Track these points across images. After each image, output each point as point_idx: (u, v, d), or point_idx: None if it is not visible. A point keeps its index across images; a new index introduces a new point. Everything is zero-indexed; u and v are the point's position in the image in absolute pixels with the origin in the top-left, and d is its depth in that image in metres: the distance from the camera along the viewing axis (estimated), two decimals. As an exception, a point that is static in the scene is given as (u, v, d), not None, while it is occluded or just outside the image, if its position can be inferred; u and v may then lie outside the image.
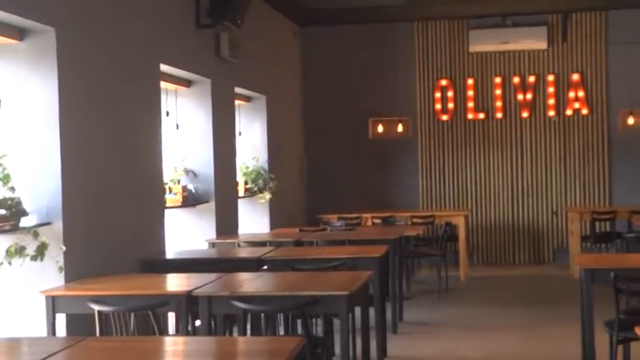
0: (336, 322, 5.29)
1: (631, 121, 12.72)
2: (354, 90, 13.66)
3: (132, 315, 5.28)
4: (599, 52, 13.10)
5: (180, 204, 8.30)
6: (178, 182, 8.55)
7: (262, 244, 8.51)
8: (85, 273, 5.94)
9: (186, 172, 8.85)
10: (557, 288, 10.95)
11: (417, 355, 7.60)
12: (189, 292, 5.27)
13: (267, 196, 10.88)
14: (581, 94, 13.10)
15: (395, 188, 13.61)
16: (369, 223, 11.57)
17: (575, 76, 13.12)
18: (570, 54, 13.18)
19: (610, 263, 6.27)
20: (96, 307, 5.11)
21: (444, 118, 13.45)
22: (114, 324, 5.20)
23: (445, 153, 13.48)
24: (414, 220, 11.41)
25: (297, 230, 9.92)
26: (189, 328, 5.43)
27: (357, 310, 6.02)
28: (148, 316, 5.11)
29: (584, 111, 13.11)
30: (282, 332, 6.54)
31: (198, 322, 5.54)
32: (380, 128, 13.51)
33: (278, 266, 6.84)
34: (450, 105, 13.43)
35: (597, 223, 11.84)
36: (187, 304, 5.27)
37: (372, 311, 6.65)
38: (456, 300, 10.31)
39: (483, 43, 13.22)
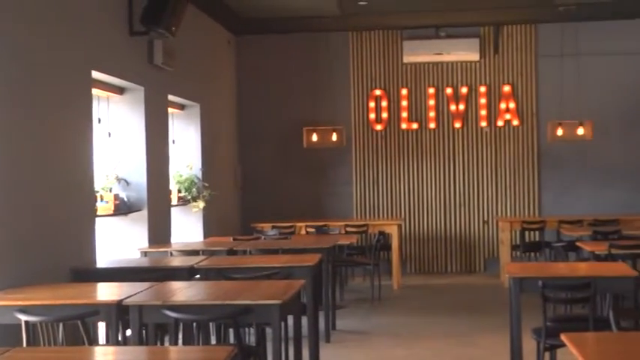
0: (269, 331, 5.27)
1: (560, 132, 12.97)
2: (289, 99, 13.68)
3: (60, 325, 5.19)
4: (530, 65, 13.35)
5: (112, 212, 8.20)
6: (110, 190, 8.45)
7: (195, 252, 8.45)
8: (12, 282, 5.83)
9: (119, 180, 8.75)
10: (488, 297, 11.09)
11: (350, 363, 7.63)
12: (120, 301, 5.21)
13: (201, 204, 10.82)
14: (512, 105, 13.33)
15: (329, 197, 13.66)
16: (303, 231, 11.59)
17: (507, 88, 13.35)
18: (502, 66, 13.41)
19: (538, 272, 6.38)
20: (23, 317, 5.01)
21: (378, 127, 13.55)
22: (42, 335, 5.11)
23: (379, 162, 13.57)
24: (348, 229, 11.47)
25: (231, 239, 9.88)
26: (120, 338, 5.37)
27: (290, 319, 6.02)
28: (77, 326, 5.04)
29: (515, 122, 13.34)
30: (214, 342, 6.50)
31: (129, 332, 5.47)
32: (314, 137, 13.54)
33: (211, 275, 6.80)
34: (384, 115, 13.54)
35: (527, 233, 12.07)
36: (118, 313, 5.21)
37: (305, 320, 6.65)
38: (389, 309, 10.38)
39: (417, 54, 13.36)
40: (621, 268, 6.40)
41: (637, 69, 13.12)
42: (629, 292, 6.16)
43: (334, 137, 13.49)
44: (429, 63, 13.47)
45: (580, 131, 12.89)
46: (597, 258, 8.33)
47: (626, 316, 5.49)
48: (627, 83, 13.15)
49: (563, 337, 4.21)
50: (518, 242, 12.10)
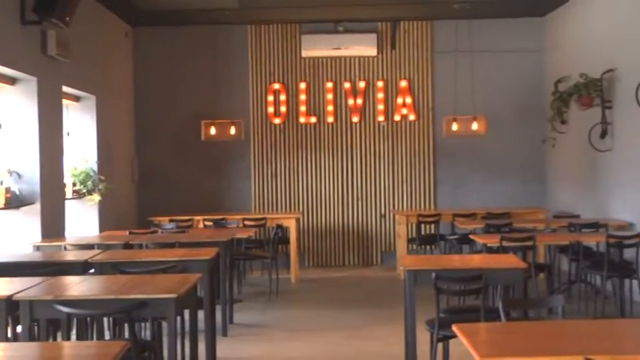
0: (165, 326, 5.23)
1: (455, 127, 13.24)
2: (187, 91, 13.57)
3: (-53, 322, 5.03)
4: (426, 60, 13.58)
5: (2, 206, 7.98)
6: (1, 183, 8.22)
7: (90, 246, 8.31)
8: None
9: (10, 172, 8.52)
10: (385, 289, 11.24)
11: (246, 357, 7.62)
12: (10, 296, 5.08)
13: (97, 198, 10.63)
14: (408, 100, 13.54)
15: (228, 191, 13.61)
16: (201, 225, 11.52)
17: (404, 83, 13.54)
18: (399, 61, 13.60)
19: (432, 264, 6.48)
20: None
21: (277, 121, 13.57)
22: None
23: (278, 156, 13.60)
24: (246, 222, 11.45)
25: (127, 233, 9.74)
26: (10, 335, 5.23)
27: (187, 314, 5.98)
28: (-36, 323, 4.89)
29: (412, 117, 13.55)
30: (108, 337, 6.41)
31: (19, 328, 5.34)
32: (212, 130, 13.47)
33: (105, 269, 6.69)
34: (283, 108, 13.57)
35: (423, 226, 12.28)
36: (7, 308, 5.08)
37: (201, 314, 6.62)
38: (287, 302, 10.41)
39: (316, 48, 13.43)
40: (511, 260, 6.57)
41: (527, 66, 13.50)
42: (518, 283, 6.33)
43: (233, 131, 13.44)
44: (327, 57, 13.56)
45: (474, 126, 13.19)
46: (489, 250, 8.55)
47: (516, 306, 5.64)
48: (518, 80, 13.53)
49: (454, 327, 4.31)
50: (414, 235, 12.31)
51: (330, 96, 13.58)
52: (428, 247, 12.28)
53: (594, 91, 10.77)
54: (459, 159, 13.63)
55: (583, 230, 9.61)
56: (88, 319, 5.65)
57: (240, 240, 10.81)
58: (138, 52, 13.52)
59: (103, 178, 10.83)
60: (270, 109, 13.59)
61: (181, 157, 13.55)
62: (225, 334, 8.34)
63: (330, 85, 13.58)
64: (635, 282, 8.61)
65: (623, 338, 4.38)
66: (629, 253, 8.76)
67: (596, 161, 11.18)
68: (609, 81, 10.66)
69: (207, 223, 11.39)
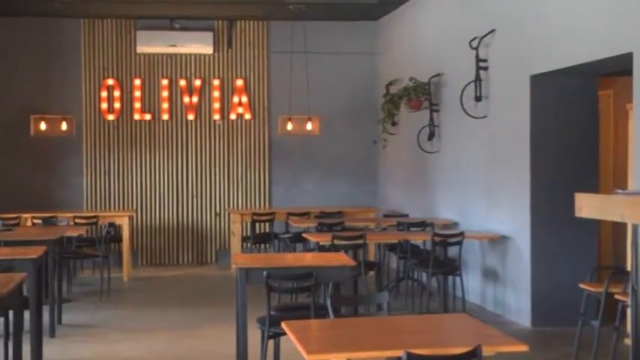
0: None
1: (290, 126, 13.40)
2: (16, 85, 13.10)
3: None
4: (261, 60, 13.67)
5: None
6: None
7: None
8: None
9: None
10: (219, 287, 11.25)
11: (75, 358, 7.44)
12: None
13: None
14: (244, 99, 13.60)
15: (59, 188, 13.23)
16: (29, 223, 11.15)
17: (239, 82, 13.59)
18: (235, 60, 13.63)
19: (264, 263, 6.55)
20: None
21: (111, 117, 13.31)
22: None
23: (111, 153, 13.34)
24: (77, 220, 11.18)
25: (-52, 231, 9.30)
26: None
27: (12, 314, 5.79)
28: None
29: (247, 116, 13.62)
30: None
31: None
32: (43, 126, 13.06)
33: None
34: (117, 105, 13.33)
35: (257, 225, 12.36)
36: None
37: (27, 314, 6.42)
38: (119, 301, 10.23)
39: (151, 45, 13.28)
40: (341, 258, 6.72)
41: (361, 68, 13.84)
42: (348, 280, 6.49)
43: (64, 126, 13.09)
44: (162, 54, 13.42)
45: (309, 126, 13.39)
46: (322, 248, 8.72)
47: (343, 303, 5.79)
48: (352, 81, 13.84)
49: (283, 325, 4.40)
50: (249, 234, 12.37)
51: (165, 93, 13.44)
52: (262, 245, 12.37)
53: (423, 94, 11.16)
54: (293, 158, 13.80)
55: (411, 229, 9.95)
56: None
57: (71, 238, 10.54)
58: (-38, 43, 12.95)
59: None
60: (104, 105, 13.31)
61: (9, 153, 13.06)
62: (52, 335, 8.11)
63: (165, 82, 13.45)
64: (457, 279, 8.98)
65: (443, 332, 4.58)
66: (453, 251, 9.14)
67: (425, 162, 11.59)
68: (436, 85, 11.08)
69: (36, 221, 11.03)
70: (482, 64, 9.48)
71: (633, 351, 4.24)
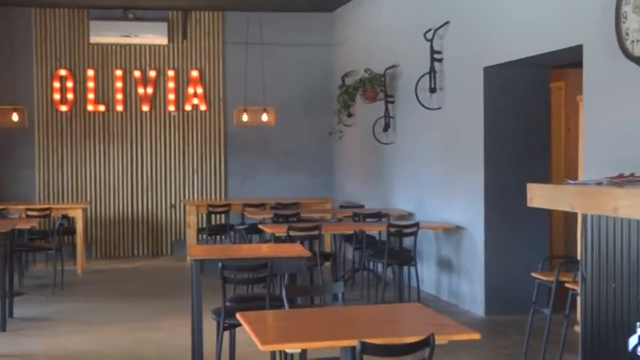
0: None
1: (245, 118, 13.36)
2: (-34, 75, 12.90)
3: None
4: (217, 51, 13.62)
5: None
6: None
7: None
8: None
9: None
10: (175, 279, 11.20)
11: (27, 352, 7.36)
12: None
13: None
14: (200, 90, 13.53)
15: (10, 180, 13.07)
16: (-20, 216, 10.99)
17: (195, 73, 13.52)
18: (190, 51, 13.55)
19: (219, 254, 6.55)
20: None
21: (63, 109, 13.18)
22: None
23: (64, 145, 13.20)
24: (29, 212, 11.06)
25: None
26: None
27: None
28: None
29: (203, 107, 13.56)
30: None
31: None
32: (-6, 117, 12.88)
33: None
34: (70, 96, 13.18)
35: (213, 216, 12.33)
36: None
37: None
38: (72, 294, 10.14)
39: (104, 35, 13.15)
40: (296, 249, 6.75)
41: (317, 59, 13.85)
42: (303, 271, 6.51)
43: (15, 117, 12.87)
44: (116, 44, 13.30)
45: (264, 117, 13.35)
46: (278, 240, 8.73)
47: (298, 293, 5.80)
48: (308, 73, 13.85)
49: (238, 316, 4.40)
50: (204, 225, 12.33)
51: (119, 84, 13.32)
52: (218, 237, 12.35)
53: (378, 85, 11.20)
54: (249, 150, 13.78)
55: (367, 220, 9.99)
56: None
57: (23, 231, 10.42)
58: None
59: None
60: (57, 96, 13.16)
61: (-41, 145, 12.88)
62: (3, 328, 8.02)
63: (119, 73, 13.33)
64: (413, 269, 9.04)
65: (397, 322, 4.62)
66: (408, 242, 9.20)
67: (380, 153, 11.64)
68: (392, 77, 11.12)
69: (-14, 213, 10.88)
70: (436, 56, 9.54)
71: (582, 338, 4.32)
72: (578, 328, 4.43)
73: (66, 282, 10.65)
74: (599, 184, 4.23)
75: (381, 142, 11.35)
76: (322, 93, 13.75)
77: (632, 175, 4.66)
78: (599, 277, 4.19)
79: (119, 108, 13.34)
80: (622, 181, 4.42)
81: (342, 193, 13.50)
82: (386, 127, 11.24)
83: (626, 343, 3.86)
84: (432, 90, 9.56)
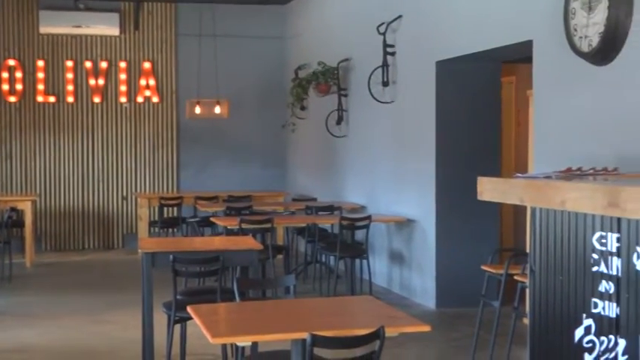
0: None
1: (198, 110, 13.29)
2: None
3: None
4: (170, 43, 13.52)
5: None
6: None
7: None
8: None
9: None
10: (126, 272, 11.12)
11: (-25, 346, 7.27)
12: None
13: None
14: (152, 82, 13.43)
15: (-42, 172, 12.87)
16: None
17: (147, 65, 13.42)
18: (142, 42, 13.44)
19: (171, 247, 6.51)
20: None
21: (12, 99, 12.99)
22: None
23: (13, 136, 13.02)
24: (-23, 205, 10.89)
25: None
26: None
27: None
28: None
29: (155, 99, 13.46)
30: None
31: None
32: (-59, 108, 12.65)
33: None
34: (19, 86, 13.00)
35: (165, 209, 12.25)
36: None
37: None
38: (21, 288, 10.02)
39: (55, 25, 12.99)
40: (249, 242, 6.73)
41: (270, 52, 13.83)
42: (255, 264, 6.49)
43: (-37, 108, 12.70)
44: (67, 35, 13.14)
45: (217, 110, 13.30)
46: (230, 232, 8.70)
47: (249, 286, 5.80)
48: (261, 65, 13.82)
49: (189, 309, 4.38)
50: (156, 218, 12.26)
51: (70, 75, 13.17)
52: (170, 229, 12.28)
53: (331, 79, 11.22)
54: (202, 142, 13.71)
55: (319, 213, 10.01)
56: None
57: (-30, 224, 10.27)
58: None
59: None
60: (5, 87, 12.97)
61: None
62: (-52, 323, 7.91)
63: (70, 63, 13.17)
64: (365, 262, 9.08)
65: (348, 314, 4.65)
66: (360, 235, 9.23)
67: (333, 147, 11.66)
68: (345, 70, 11.14)
69: None
70: (389, 50, 9.57)
71: (531, 330, 4.37)
72: (526, 320, 4.48)
73: (14, 275, 10.51)
74: (547, 177, 4.27)
75: (334, 136, 11.37)
76: (276, 86, 13.74)
77: (579, 169, 4.72)
78: (547, 270, 4.24)
79: (70, 99, 13.19)
80: (570, 174, 4.47)
81: (295, 186, 13.50)
82: (339, 121, 11.26)
83: (572, 335, 3.91)
84: (385, 83, 9.60)
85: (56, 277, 10.87)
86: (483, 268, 6.68)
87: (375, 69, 9.68)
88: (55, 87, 13.16)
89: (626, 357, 3.51)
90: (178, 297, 5.94)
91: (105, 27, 13.15)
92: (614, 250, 3.60)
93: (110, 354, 7.04)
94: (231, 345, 5.66)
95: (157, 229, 12.10)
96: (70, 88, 13.17)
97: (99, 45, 13.30)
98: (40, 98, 13.08)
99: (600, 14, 5.65)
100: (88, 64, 13.23)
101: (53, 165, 13.20)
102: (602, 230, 3.69)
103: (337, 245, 8.87)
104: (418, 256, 9.10)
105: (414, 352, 6.95)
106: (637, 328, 3.43)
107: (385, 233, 9.86)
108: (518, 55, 7.96)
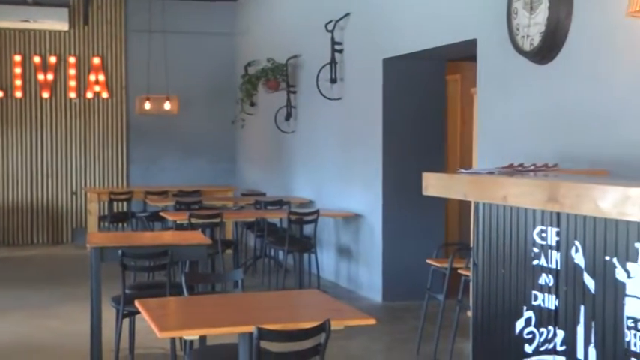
0: None
1: (147, 105, 13.26)
2: None
3: None
4: (119, 38, 13.49)
5: None
6: None
7: None
8: None
9: None
10: (75, 267, 11.08)
11: None
12: None
13: None
14: (102, 77, 13.39)
15: None
16: None
17: (97, 60, 13.37)
18: (92, 37, 13.39)
19: (120, 241, 6.53)
20: None
21: (-41, 94, 12.87)
22: None
23: (-40, 131, 12.91)
24: None
25: None
26: None
27: None
28: None
29: (105, 94, 13.42)
30: None
31: None
32: None
33: None
34: (-34, 81, 12.89)
35: (115, 204, 12.22)
36: None
37: None
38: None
39: (3, 19, 12.87)
40: (197, 237, 6.79)
41: (220, 49, 13.87)
42: (203, 258, 6.56)
43: None
44: (15, 29, 13.04)
45: (167, 105, 13.29)
46: (179, 227, 8.74)
47: (197, 280, 5.85)
48: (211, 61, 13.85)
49: (137, 303, 4.43)
50: (106, 213, 12.23)
51: (18, 70, 13.08)
52: (120, 224, 12.26)
53: (280, 75, 11.30)
54: (152, 138, 13.71)
55: (268, 208, 10.09)
56: None
57: None
58: None
59: None
60: (-48, 81, 12.85)
61: None
62: None
63: (18, 58, 13.08)
64: (313, 256, 9.18)
65: (295, 307, 4.73)
66: (308, 229, 9.33)
67: (282, 142, 11.75)
68: (294, 67, 11.23)
69: None
70: (337, 47, 9.68)
71: (474, 322, 4.48)
72: (470, 313, 4.61)
73: (-38, 271, 10.45)
74: (490, 173, 4.37)
75: (283, 131, 11.46)
76: (225, 82, 13.77)
77: (521, 165, 4.86)
78: (490, 264, 4.35)
79: (18, 94, 13.09)
80: (512, 170, 4.60)
81: (244, 181, 13.56)
82: (288, 117, 11.35)
83: (513, 326, 4.04)
84: (333, 80, 9.71)
85: (4, 272, 10.80)
86: (428, 261, 6.82)
87: (324, 66, 9.79)
88: (3, 82, 13.05)
89: (564, 347, 3.65)
90: (127, 291, 5.98)
91: (54, 22, 13.06)
92: (553, 243, 3.72)
93: (58, 348, 7.04)
94: (180, 339, 5.72)
95: (106, 224, 12.07)
96: (19, 82, 13.08)
97: (48, 40, 13.22)
98: (-13, 93, 12.99)
99: (541, 14, 5.81)
100: (37, 59, 13.14)
101: (1, 160, 13.10)
102: (542, 225, 3.81)
103: (286, 240, 8.96)
104: (365, 250, 9.22)
105: (360, 345, 7.06)
106: (575, 320, 3.57)
107: (333, 228, 9.98)
108: (463, 54, 8.11)
